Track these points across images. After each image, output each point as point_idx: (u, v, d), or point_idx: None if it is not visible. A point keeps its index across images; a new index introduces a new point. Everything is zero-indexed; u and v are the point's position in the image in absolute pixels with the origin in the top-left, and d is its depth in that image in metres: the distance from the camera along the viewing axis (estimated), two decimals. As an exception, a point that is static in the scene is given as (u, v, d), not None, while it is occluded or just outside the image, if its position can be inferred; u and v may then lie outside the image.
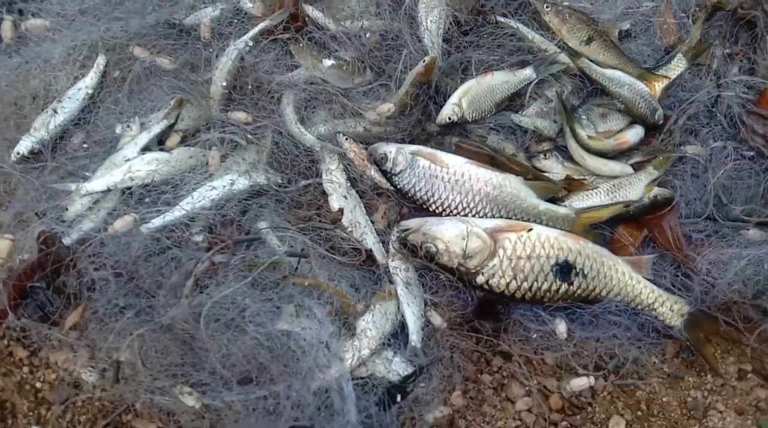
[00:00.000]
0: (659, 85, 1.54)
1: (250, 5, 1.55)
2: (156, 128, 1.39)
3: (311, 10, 1.55)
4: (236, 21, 1.55)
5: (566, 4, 1.52)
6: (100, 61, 1.49)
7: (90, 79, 1.48)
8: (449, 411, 1.28)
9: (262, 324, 1.15)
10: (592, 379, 1.31)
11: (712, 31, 1.59)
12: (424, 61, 1.40)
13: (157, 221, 1.30)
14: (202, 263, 1.20)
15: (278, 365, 1.13)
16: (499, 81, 1.47)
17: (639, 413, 1.34)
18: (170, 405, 1.19)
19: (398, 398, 1.14)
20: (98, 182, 1.34)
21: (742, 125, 1.48)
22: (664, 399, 1.35)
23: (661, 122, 1.52)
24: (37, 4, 1.48)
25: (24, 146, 1.43)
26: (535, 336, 1.34)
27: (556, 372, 1.36)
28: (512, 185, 1.38)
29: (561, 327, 1.33)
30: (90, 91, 1.48)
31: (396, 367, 1.24)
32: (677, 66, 1.54)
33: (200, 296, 1.18)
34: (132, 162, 1.35)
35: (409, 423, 1.24)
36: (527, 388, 1.34)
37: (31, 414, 1.30)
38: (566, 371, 1.35)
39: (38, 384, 1.33)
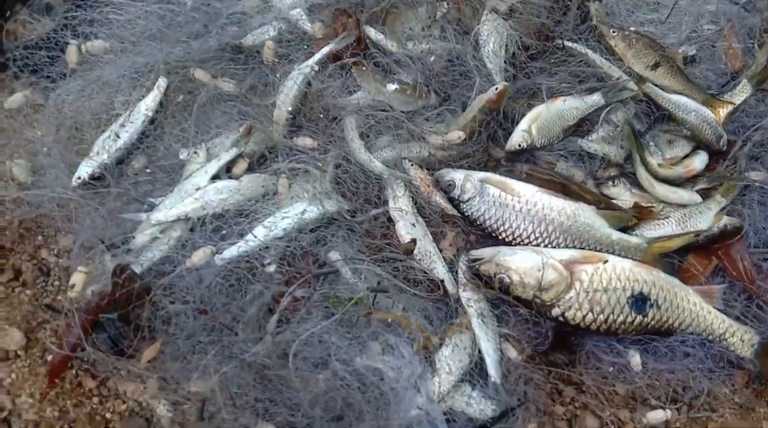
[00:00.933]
0: (723, 111, 1.53)
1: (309, 26, 1.53)
2: (226, 156, 1.37)
3: (373, 33, 1.53)
4: (295, 41, 1.54)
5: (633, 29, 1.51)
6: (161, 83, 1.46)
7: (151, 102, 1.46)
8: (533, 438, 1.28)
9: (348, 361, 1.14)
10: (668, 412, 1.30)
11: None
12: (496, 88, 1.39)
13: (231, 252, 1.28)
14: (285, 299, 1.18)
15: (367, 404, 1.12)
16: (568, 107, 1.46)
17: (716, 440, 1.34)
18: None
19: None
20: (170, 212, 1.32)
21: (810, 151, 1.47)
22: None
23: (725, 148, 1.51)
24: (100, 28, 1.45)
25: (85, 170, 1.40)
26: (611, 368, 1.34)
27: (629, 404, 1.35)
28: (585, 215, 1.37)
29: (635, 359, 1.32)
30: (150, 114, 1.46)
31: (475, 403, 1.23)
32: (742, 92, 1.54)
33: (285, 334, 1.16)
34: (202, 191, 1.33)
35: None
36: (602, 419, 1.34)
37: (102, 445, 1.29)
38: (639, 402, 1.34)
39: (108, 415, 1.32)
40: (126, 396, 1.32)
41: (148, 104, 1.46)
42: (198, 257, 1.23)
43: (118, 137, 1.43)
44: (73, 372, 1.32)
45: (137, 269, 1.28)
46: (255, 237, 1.29)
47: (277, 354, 1.16)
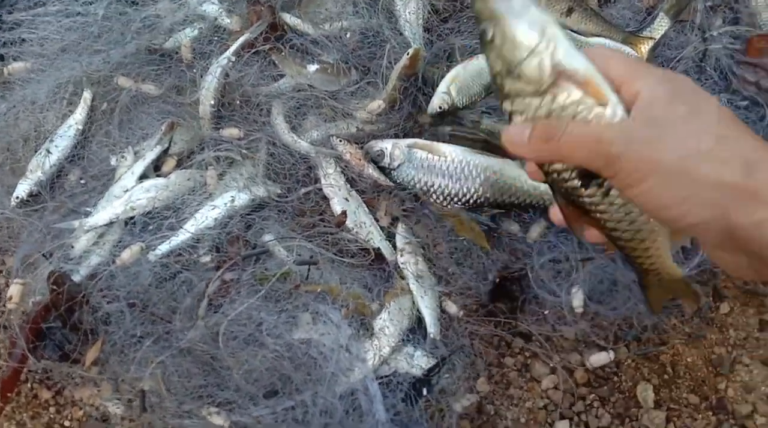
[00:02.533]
0: (645, 47, 1.52)
1: (228, 21, 1.55)
2: (150, 155, 1.40)
3: (289, 18, 1.55)
4: (216, 39, 1.56)
5: (541, -24, 1.52)
6: (87, 95, 1.49)
7: (79, 115, 1.48)
8: (476, 398, 1.28)
9: (280, 335, 1.16)
10: (611, 353, 1.31)
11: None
12: (408, 53, 1.40)
13: (163, 247, 1.30)
14: (213, 283, 1.20)
15: (301, 374, 1.14)
16: (485, 64, 1.46)
17: (666, 376, 1.34)
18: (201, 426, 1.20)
19: (424, 391, 1.15)
20: (100, 216, 1.34)
21: (733, 76, 1.47)
22: (688, 360, 1.35)
23: (651, 84, 1.51)
24: (17, 48, 1.48)
25: (22, 189, 1.43)
26: (554, 314, 1.34)
27: (577, 347, 1.36)
28: (511, 169, 1.37)
29: (578, 299, 1.32)
30: (80, 127, 1.48)
31: (418, 361, 1.24)
32: (660, 26, 1.53)
33: (216, 316, 1.19)
34: (131, 192, 1.35)
35: (438, 415, 1.25)
36: (551, 366, 1.35)
37: (64, 453, 1.31)
38: (588, 345, 1.35)
39: (66, 423, 1.34)
40: (82, 403, 1.34)
41: (76, 118, 1.48)
42: (127, 255, 1.26)
43: (50, 153, 1.46)
44: (28, 385, 1.35)
45: (77, 277, 1.31)
46: (185, 230, 1.31)
47: (211, 337, 1.18)
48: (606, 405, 1.31)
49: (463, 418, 1.25)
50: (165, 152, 1.43)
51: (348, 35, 1.52)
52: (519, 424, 1.29)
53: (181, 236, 1.31)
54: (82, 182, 1.46)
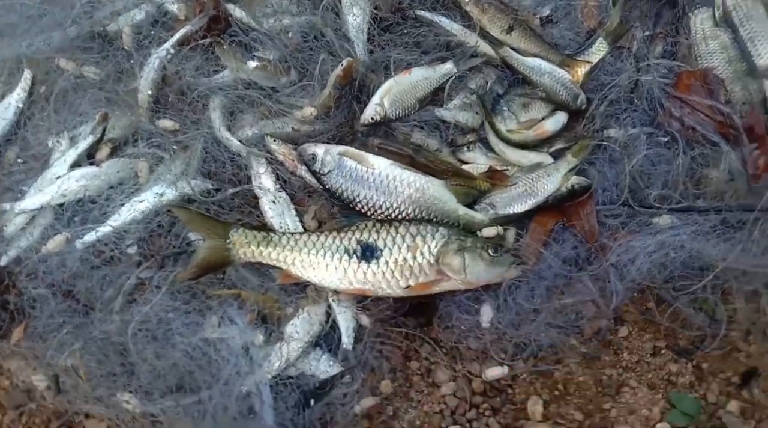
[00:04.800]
0: (582, 71, 1.56)
1: (174, 7, 1.56)
2: (83, 145, 1.43)
3: (234, 10, 1.56)
4: (159, 25, 1.57)
5: (486, -6, 1.53)
6: (27, 75, 1.51)
7: (17, 95, 1.51)
8: (376, 400, 1.37)
9: (187, 334, 1.23)
10: (506, 369, 1.40)
11: (634, 11, 1.60)
12: (342, 64, 1.43)
13: (89, 237, 1.36)
14: (130, 280, 1.26)
15: (204, 373, 1.22)
16: (419, 77, 1.50)
17: (556, 392, 1.44)
18: (112, 411, 1.29)
19: (312, 402, 1.23)
20: (31, 201, 1.39)
21: (660, 108, 1.51)
22: (580, 379, 1.45)
23: (584, 106, 1.55)
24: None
25: (-39, 164, 1.47)
26: (462, 327, 1.42)
27: (479, 357, 1.45)
28: (434, 188, 1.43)
29: (486, 314, 1.41)
30: (20, 106, 1.51)
31: (323, 366, 1.33)
32: (599, 50, 1.56)
33: (132, 312, 1.25)
34: (62, 179, 1.39)
35: (340, 414, 1.34)
36: (453, 373, 1.44)
37: (-13, 418, 1.40)
38: (488, 357, 1.44)
39: (-9, 390, 1.43)
40: (9, 373, 1.42)
41: (15, 97, 1.51)
42: (53, 243, 1.31)
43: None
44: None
45: (5, 259, 1.37)
46: (111, 222, 1.36)
47: (125, 331, 1.25)
48: (497, 415, 1.41)
49: (363, 418, 1.35)
50: (99, 141, 1.46)
51: (290, 35, 1.54)
52: (414, 426, 1.39)
53: (107, 228, 1.36)
54: (20, 161, 1.50)
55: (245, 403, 1.19)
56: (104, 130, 1.45)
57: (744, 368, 1.45)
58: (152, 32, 1.54)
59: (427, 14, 1.52)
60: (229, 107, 1.53)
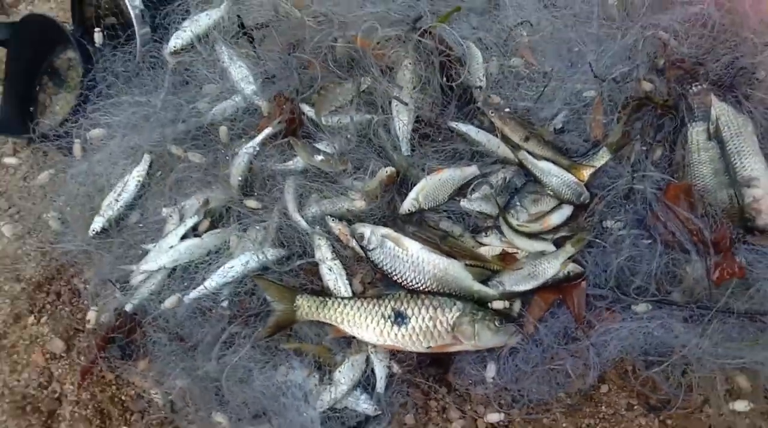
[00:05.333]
0: (587, 172, 1.88)
1: (262, 104, 1.96)
2: (190, 222, 1.87)
3: (308, 110, 1.95)
4: (246, 117, 1.98)
5: (507, 110, 1.87)
6: (146, 158, 1.96)
7: (138, 172, 1.96)
8: (403, 430, 1.82)
9: (264, 378, 1.70)
10: (503, 415, 1.80)
11: (638, 123, 1.89)
12: (386, 172, 1.81)
13: (193, 294, 1.82)
14: (224, 335, 1.73)
15: (276, 406, 1.68)
16: (449, 177, 1.86)
17: (543, 437, 1.84)
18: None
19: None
20: (152, 264, 1.85)
21: (650, 211, 1.82)
22: (563, 425, 1.84)
23: (587, 201, 1.88)
24: (94, 121, 1.94)
25: (98, 223, 1.94)
26: (471, 377, 1.83)
27: (484, 402, 1.85)
28: (454, 269, 1.81)
29: (490, 370, 1.80)
30: (140, 180, 1.96)
31: (362, 404, 1.77)
32: (602, 157, 1.88)
33: (227, 357, 1.73)
34: (175, 248, 1.85)
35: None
36: (463, 412, 1.85)
37: (120, 418, 1.92)
38: (490, 403, 1.83)
39: (123, 397, 1.94)
40: (134, 385, 1.93)
41: (138, 174, 1.96)
42: (169, 302, 1.78)
43: (118, 200, 1.95)
44: (98, 368, 1.94)
45: (130, 306, 1.85)
46: (210, 284, 1.82)
47: (223, 371, 1.73)
48: (496, 451, 1.83)
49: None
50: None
51: (348, 136, 1.92)
52: (429, 454, 1.83)
53: (206, 288, 1.82)
54: (141, 225, 1.97)
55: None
56: (206, 212, 1.89)
57: (703, 427, 1.80)
58: (244, 127, 1.96)
59: (457, 125, 1.87)
60: (298, 189, 1.94)
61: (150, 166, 1.97)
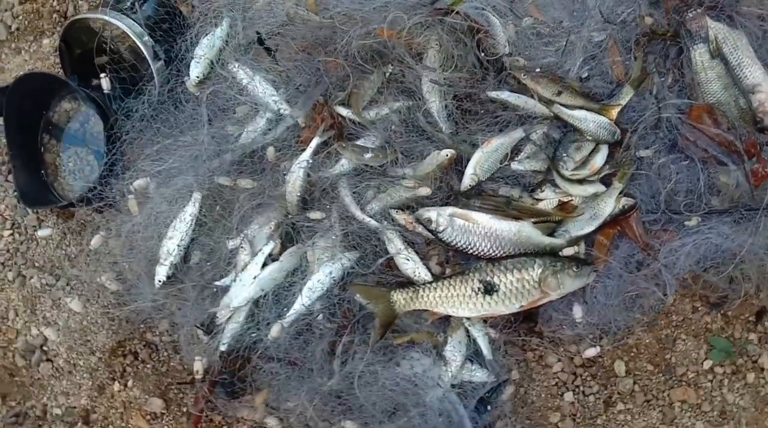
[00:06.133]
0: (615, 111, 2.02)
1: (296, 114, 1.94)
2: (267, 249, 1.86)
3: (344, 112, 1.95)
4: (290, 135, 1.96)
5: (538, 70, 1.96)
6: (196, 195, 1.91)
7: (191, 210, 1.91)
8: (513, 387, 1.94)
9: (390, 376, 1.76)
10: (598, 348, 1.96)
11: (649, 56, 2.04)
12: (447, 154, 1.87)
13: (290, 317, 1.84)
14: (341, 346, 1.77)
15: (407, 399, 1.75)
16: (498, 145, 1.95)
17: (632, 353, 2.02)
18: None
19: (488, 407, 1.79)
20: (239, 299, 1.84)
21: (679, 135, 2.00)
22: (646, 341, 2.03)
23: (620, 138, 2.03)
24: (143, 172, 1.86)
25: (162, 273, 1.90)
26: (558, 321, 1.97)
27: (574, 341, 2.01)
28: (526, 230, 1.91)
29: (577, 312, 1.94)
30: (193, 219, 1.92)
31: (477, 374, 1.87)
32: (626, 94, 2.01)
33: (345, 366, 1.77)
34: (258, 277, 1.85)
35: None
36: (557, 356, 2.00)
37: (236, 459, 1.93)
38: (583, 340, 1.99)
39: (235, 435, 1.96)
40: (244, 420, 1.95)
41: (190, 212, 1.91)
42: (275, 331, 1.79)
43: (178, 244, 1.90)
44: (204, 413, 1.93)
45: (224, 345, 1.83)
46: (303, 302, 1.84)
47: (344, 381, 1.77)
48: (594, 378, 2.00)
49: (507, 401, 1.92)
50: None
51: (393, 127, 1.95)
52: (540, 398, 1.98)
53: (302, 307, 1.84)
54: (208, 263, 1.93)
55: (445, 418, 1.73)
56: (280, 235, 1.89)
57: (757, 309, 2.04)
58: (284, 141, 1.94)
59: (497, 94, 1.95)
60: (353, 189, 1.97)
61: (200, 202, 1.92)
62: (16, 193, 2.02)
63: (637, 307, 2.01)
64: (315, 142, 1.91)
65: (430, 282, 1.90)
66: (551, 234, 1.96)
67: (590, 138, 2.01)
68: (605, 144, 2.02)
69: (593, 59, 2.02)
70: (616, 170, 2.01)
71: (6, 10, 2.17)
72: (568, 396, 1.98)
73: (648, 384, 2.00)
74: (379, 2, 1.92)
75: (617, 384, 2.00)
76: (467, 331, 1.92)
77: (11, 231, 2.02)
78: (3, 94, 1.92)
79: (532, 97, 1.97)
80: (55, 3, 2.18)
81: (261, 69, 1.97)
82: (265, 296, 1.87)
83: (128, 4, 1.90)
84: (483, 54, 1.89)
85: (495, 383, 1.86)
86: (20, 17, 2.17)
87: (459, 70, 1.91)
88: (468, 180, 1.93)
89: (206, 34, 1.95)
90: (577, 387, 1.99)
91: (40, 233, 1.99)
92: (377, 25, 1.88)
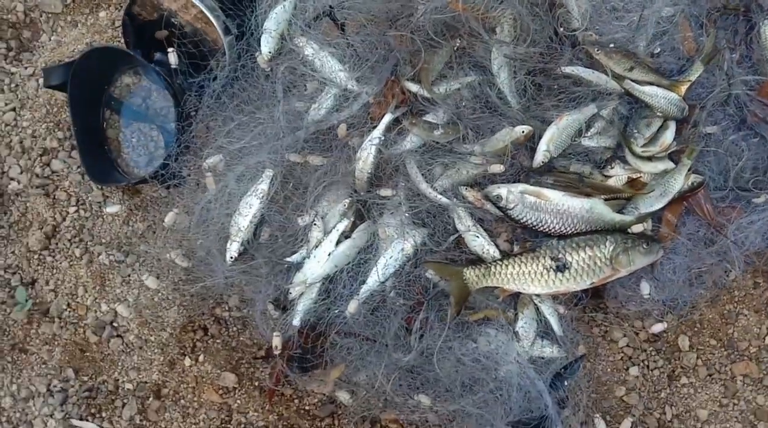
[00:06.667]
0: (684, 88, 2.00)
1: (363, 91, 1.91)
2: (341, 226, 1.86)
3: (414, 88, 1.93)
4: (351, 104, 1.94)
5: (612, 46, 1.93)
6: (268, 172, 1.89)
7: (263, 186, 1.90)
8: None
9: (466, 352, 1.78)
10: (665, 324, 1.98)
11: (721, 33, 2.02)
12: (523, 131, 1.86)
13: (364, 294, 1.84)
14: (416, 323, 1.78)
15: (486, 374, 1.78)
16: (571, 121, 1.93)
17: (695, 329, 2.05)
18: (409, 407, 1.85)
19: (565, 383, 1.81)
20: (314, 275, 1.84)
21: (748, 112, 1.99)
22: (710, 316, 2.05)
23: (687, 114, 2.02)
24: (219, 148, 1.84)
25: (234, 249, 1.89)
26: (624, 297, 1.99)
27: (639, 317, 2.03)
28: (597, 207, 1.92)
29: (644, 288, 1.96)
30: (265, 196, 1.90)
31: (547, 350, 1.89)
32: (696, 70, 2.00)
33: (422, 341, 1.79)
34: (333, 254, 1.85)
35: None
36: (624, 331, 2.03)
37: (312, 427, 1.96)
38: (649, 315, 2.02)
39: (307, 407, 1.98)
40: (314, 393, 1.97)
41: (262, 189, 1.90)
42: (353, 307, 1.80)
43: (251, 221, 1.89)
44: (279, 388, 1.95)
45: (296, 320, 1.84)
46: (380, 277, 1.84)
47: (420, 357, 1.79)
48: (659, 353, 2.03)
49: (581, 378, 1.94)
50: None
51: (463, 103, 1.94)
52: (606, 373, 2.00)
53: (376, 283, 1.84)
54: (279, 239, 1.93)
55: (523, 392, 1.76)
56: (353, 213, 1.88)
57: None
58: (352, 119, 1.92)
59: (573, 70, 1.92)
60: (421, 166, 1.96)
61: (272, 179, 1.91)
62: (80, 169, 2.00)
63: (701, 283, 2.03)
64: (387, 118, 1.90)
65: (502, 259, 1.90)
66: (620, 211, 1.97)
67: (660, 114, 2.00)
68: (673, 120, 2.02)
69: (664, 35, 2.00)
70: (683, 147, 2.01)
71: (60, -19, 2.12)
72: (634, 371, 2.01)
73: (710, 359, 2.03)
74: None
75: (681, 358, 2.03)
76: (537, 308, 1.94)
77: (76, 207, 2.00)
78: (68, 70, 1.88)
79: (604, 72, 1.95)
80: (110, -27, 2.12)
81: (328, 44, 1.93)
82: (339, 272, 1.87)
83: (194, -25, 1.85)
84: (562, 29, 1.86)
85: (570, 359, 1.88)
86: (76, -12, 2.12)
87: (535, 44, 1.88)
88: (541, 156, 1.92)
89: (276, 7, 1.90)
90: (642, 361, 2.02)
91: (109, 209, 1.97)
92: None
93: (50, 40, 2.13)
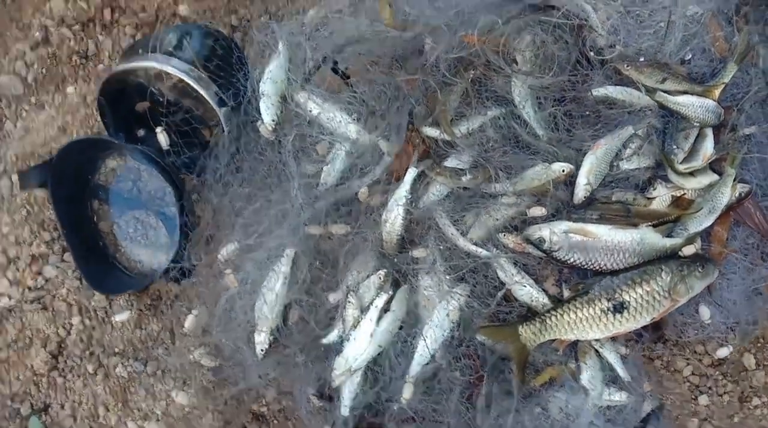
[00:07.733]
0: (718, 91, 1.85)
1: (384, 147, 1.73)
2: (380, 302, 1.68)
3: (434, 133, 1.75)
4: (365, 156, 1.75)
5: (642, 59, 1.77)
6: (288, 252, 1.71)
7: (284, 268, 1.71)
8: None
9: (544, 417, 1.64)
10: (730, 347, 1.87)
11: (753, 27, 1.86)
12: (563, 169, 1.70)
13: (414, 373, 1.68)
14: (482, 395, 1.63)
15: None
16: (608, 147, 1.78)
17: (758, 344, 1.94)
18: None
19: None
20: (359, 361, 1.67)
21: (788, 110, 1.85)
22: (770, 329, 1.94)
23: (723, 118, 1.87)
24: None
25: (262, 341, 1.72)
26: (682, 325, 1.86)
27: (701, 342, 1.91)
28: (648, 236, 1.77)
29: (704, 313, 1.84)
30: (286, 278, 1.72)
31: (615, 396, 1.76)
32: (729, 72, 1.85)
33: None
34: (375, 334, 1.67)
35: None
36: (685, 358, 1.91)
37: None
38: (712, 340, 1.90)
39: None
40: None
41: (282, 270, 1.72)
42: (407, 392, 1.63)
43: (266, 303, 1.70)
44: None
45: (345, 410, 1.68)
46: (429, 350, 1.68)
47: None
48: (726, 376, 1.91)
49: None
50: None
51: (489, 143, 1.76)
52: (676, 406, 1.89)
53: (427, 357, 1.68)
54: (308, 323, 1.75)
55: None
56: (390, 284, 1.70)
57: None
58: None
59: (601, 91, 1.75)
60: (451, 216, 1.79)
61: (293, 259, 1.72)
62: (76, 273, 1.78)
63: (758, 294, 1.91)
64: (411, 174, 1.72)
65: (555, 308, 1.75)
66: (668, 235, 1.83)
67: (697, 124, 1.85)
68: (709, 127, 1.87)
69: (693, 38, 1.83)
70: (724, 154, 1.87)
71: (17, 59, 1.86)
72: (703, 399, 1.90)
73: (780, 375, 1.93)
74: (459, 5, 1.69)
75: (749, 378, 1.92)
76: (598, 353, 1.80)
77: (80, 317, 1.79)
78: (46, 169, 1.65)
79: (637, 88, 1.78)
80: (72, 43, 1.87)
81: (328, 98, 1.73)
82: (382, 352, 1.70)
83: (173, 42, 1.63)
84: (592, 54, 1.69)
85: (640, 404, 1.75)
86: (35, 65, 1.86)
87: (562, 71, 1.71)
88: (582, 191, 1.76)
89: (269, 64, 1.69)
90: (710, 388, 1.91)
91: (118, 318, 1.76)
92: (464, 31, 1.66)
93: (16, 127, 1.88)
